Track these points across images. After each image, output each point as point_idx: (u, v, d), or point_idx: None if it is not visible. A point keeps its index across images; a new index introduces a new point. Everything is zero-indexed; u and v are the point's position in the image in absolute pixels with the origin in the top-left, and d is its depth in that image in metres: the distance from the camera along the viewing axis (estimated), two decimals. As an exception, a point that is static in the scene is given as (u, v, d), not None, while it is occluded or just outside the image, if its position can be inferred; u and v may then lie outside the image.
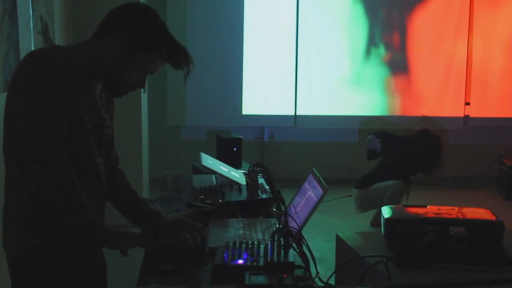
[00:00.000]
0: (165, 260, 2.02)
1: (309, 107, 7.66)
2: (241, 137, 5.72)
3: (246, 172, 3.16)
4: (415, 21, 7.72)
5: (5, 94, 1.88)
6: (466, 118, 7.96)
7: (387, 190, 5.63)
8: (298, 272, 1.93)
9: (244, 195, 2.87)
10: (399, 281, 1.93)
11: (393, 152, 5.84)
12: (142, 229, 2.16)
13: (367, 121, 7.68)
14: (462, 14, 7.72)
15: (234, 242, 2.11)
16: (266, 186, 3.02)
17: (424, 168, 5.85)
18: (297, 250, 2.02)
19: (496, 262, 2.07)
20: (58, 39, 4.75)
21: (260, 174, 3.14)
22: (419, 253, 2.07)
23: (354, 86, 7.72)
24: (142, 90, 5.42)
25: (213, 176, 3.28)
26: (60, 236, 1.89)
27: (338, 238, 2.47)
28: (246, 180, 3.03)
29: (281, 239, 2.03)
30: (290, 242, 2.04)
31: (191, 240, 2.07)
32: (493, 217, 2.26)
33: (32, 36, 4.03)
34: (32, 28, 4.03)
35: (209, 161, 3.33)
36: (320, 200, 2.39)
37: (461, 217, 2.29)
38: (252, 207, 2.76)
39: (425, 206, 2.40)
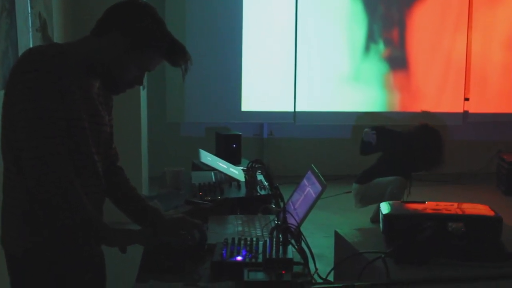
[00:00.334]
0: (164, 257, 2.03)
1: (308, 104, 7.65)
2: (240, 133, 5.72)
3: (245, 168, 3.16)
4: (414, 17, 7.71)
5: (2, 92, 1.88)
6: (466, 113, 7.97)
7: (387, 186, 5.62)
8: (297, 269, 1.93)
9: (243, 192, 2.87)
10: (398, 277, 1.93)
11: (393, 147, 5.83)
12: (142, 226, 2.16)
13: (366, 117, 7.67)
14: (461, 10, 7.72)
15: (233, 239, 2.11)
16: (265, 182, 3.02)
17: (424, 164, 5.84)
18: (296, 247, 2.03)
19: (494, 257, 2.07)
20: (57, 36, 4.75)
21: (259, 171, 3.14)
22: (418, 249, 2.07)
23: (353, 83, 7.71)
24: (141, 87, 5.42)
25: (212, 173, 3.29)
26: (58, 234, 1.89)
27: (336, 235, 2.47)
28: (245, 177, 3.03)
29: (280, 236, 2.03)
30: (289, 239, 2.04)
31: (189, 238, 2.07)
32: (491, 213, 2.27)
33: (30, 33, 4.03)
34: (30, 25, 4.03)
35: (208, 158, 3.33)
36: (318, 197, 2.39)
37: (459, 213, 2.29)
38: (251, 203, 2.76)
39: (424, 202, 2.40)
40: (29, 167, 1.78)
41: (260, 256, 1.97)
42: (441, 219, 2.18)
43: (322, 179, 2.46)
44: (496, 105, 8.00)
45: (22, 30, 3.84)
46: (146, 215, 2.16)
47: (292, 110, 7.64)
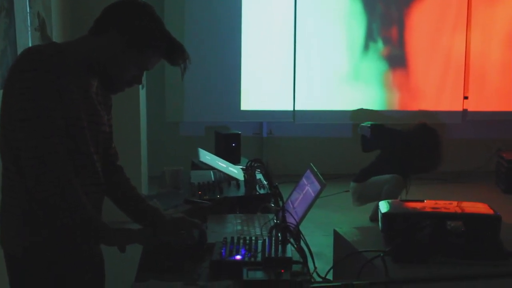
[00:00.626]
0: (163, 256, 2.03)
1: (307, 102, 7.65)
2: (240, 132, 5.73)
3: (244, 167, 3.16)
4: (413, 15, 7.72)
5: (1, 91, 1.88)
6: (465, 112, 7.97)
7: (384, 184, 5.63)
8: (296, 268, 1.93)
9: (242, 191, 2.87)
10: (397, 276, 1.93)
11: (391, 145, 5.84)
12: (141, 225, 2.16)
13: (365, 115, 7.66)
14: (460, 8, 7.72)
15: (232, 238, 2.11)
16: (264, 181, 3.02)
17: (422, 164, 5.82)
18: (295, 246, 2.03)
19: (493, 256, 2.07)
20: (56, 35, 4.75)
21: (258, 170, 3.14)
22: (417, 248, 2.07)
23: (352, 81, 7.71)
24: (140, 86, 5.43)
25: (211, 172, 3.29)
26: (58, 234, 1.89)
27: (335, 233, 2.47)
28: (244, 176, 3.03)
29: (279, 235, 2.03)
30: (288, 238, 2.04)
31: (188, 237, 2.08)
32: (490, 211, 2.26)
33: (29, 33, 4.03)
34: (29, 25, 4.03)
35: (207, 157, 3.33)
36: (317, 195, 2.39)
37: (458, 211, 2.29)
38: (250, 202, 2.76)
39: (423, 201, 2.40)
40: (28, 166, 1.78)
41: (259, 255, 1.98)
42: (440, 217, 2.18)
43: (321, 178, 2.47)
44: (495, 103, 8.00)
45: (21, 30, 3.84)
46: (146, 214, 2.16)
47: (292, 109, 7.64)
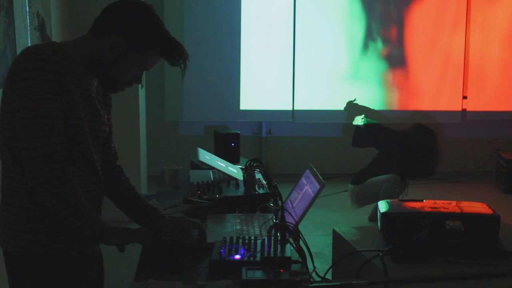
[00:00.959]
0: (162, 256, 2.03)
1: (306, 102, 7.65)
2: (239, 132, 5.73)
3: (244, 167, 3.17)
4: (412, 15, 7.72)
5: (1, 90, 1.88)
6: (464, 112, 7.97)
7: (382, 184, 5.60)
8: (295, 267, 1.93)
9: (241, 190, 2.87)
10: (396, 275, 1.93)
11: (388, 146, 5.82)
12: (141, 225, 2.16)
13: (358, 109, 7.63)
14: (459, 8, 7.72)
15: (231, 237, 2.12)
16: (263, 181, 3.03)
17: (420, 166, 5.79)
18: (294, 245, 2.03)
19: (492, 255, 2.07)
20: (55, 35, 4.75)
21: (258, 169, 3.14)
22: (416, 247, 2.07)
23: (352, 81, 7.71)
24: (140, 85, 5.43)
25: (211, 172, 3.29)
26: (57, 233, 1.90)
27: (335, 233, 2.47)
28: (244, 176, 3.03)
29: (278, 234, 2.04)
30: (287, 237, 2.04)
31: (185, 239, 2.08)
32: (489, 211, 2.27)
33: (28, 32, 4.03)
34: (28, 24, 4.03)
35: (206, 157, 3.33)
36: (317, 195, 2.39)
37: (457, 211, 2.29)
38: (249, 202, 2.76)
39: (422, 200, 2.40)
40: (27, 166, 1.78)
41: (259, 254, 1.98)
42: (439, 217, 2.19)
43: (321, 177, 2.47)
44: (494, 103, 8.00)
45: (20, 29, 3.84)
46: (145, 214, 2.16)
47: (291, 108, 7.64)
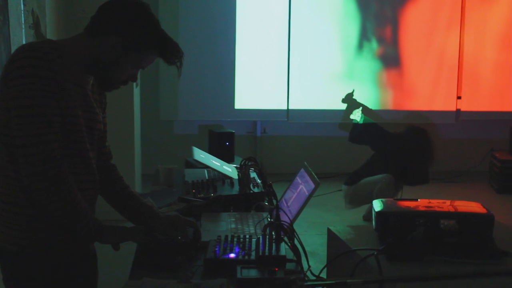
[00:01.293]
0: (157, 254, 2.03)
1: (301, 102, 7.66)
2: (234, 131, 5.72)
3: (238, 166, 3.17)
4: (407, 15, 7.73)
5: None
6: (458, 112, 7.99)
7: (376, 184, 5.60)
8: (289, 266, 1.94)
9: (236, 189, 2.87)
10: (390, 274, 1.94)
11: (383, 147, 5.81)
12: (135, 223, 2.16)
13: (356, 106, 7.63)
14: (454, 8, 7.74)
15: (226, 236, 2.12)
16: (258, 180, 3.03)
17: (415, 169, 5.77)
18: (289, 244, 2.03)
19: (486, 255, 2.08)
20: (50, 33, 4.74)
21: (252, 168, 3.14)
22: (410, 246, 2.08)
23: (346, 80, 7.72)
24: (134, 84, 5.42)
25: (205, 171, 3.29)
26: (52, 231, 1.89)
27: (329, 232, 2.48)
28: (238, 174, 3.03)
29: (273, 233, 2.04)
30: (282, 236, 2.04)
31: (180, 238, 2.08)
32: (484, 210, 2.27)
33: (23, 30, 4.02)
34: (23, 22, 4.02)
35: (201, 156, 3.33)
36: (311, 194, 2.39)
37: (452, 210, 2.30)
38: (244, 201, 2.76)
39: (416, 200, 2.41)
40: (24, 164, 1.78)
41: (253, 253, 1.98)
42: (433, 216, 2.19)
43: (315, 177, 2.47)
44: (488, 103, 8.03)
45: (15, 27, 3.83)
46: (139, 212, 2.16)
47: (285, 108, 7.65)
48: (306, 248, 2.06)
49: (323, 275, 2.06)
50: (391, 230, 2.19)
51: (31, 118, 1.76)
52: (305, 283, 1.75)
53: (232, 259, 1.96)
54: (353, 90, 6.74)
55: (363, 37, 7.71)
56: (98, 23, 1.91)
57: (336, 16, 7.62)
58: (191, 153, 3.36)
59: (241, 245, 2.04)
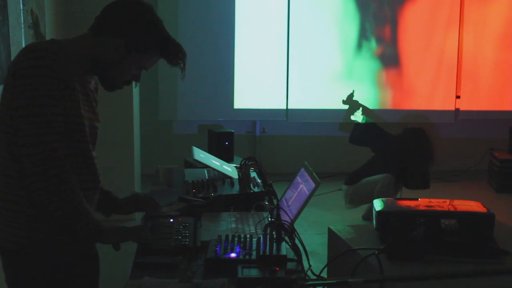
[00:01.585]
0: (158, 254, 2.03)
1: (300, 101, 7.66)
2: (233, 131, 5.73)
3: (238, 166, 3.16)
4: (406, 14, 7.73)
5: (1, 87, 1.88)
6: (457, 111, 7.99)
7: (376, 183, 5.59)
8: (290, 265, 1.94)
9: (236, 189, 2.87)
10: (391, 273, 1.94)
11: (384, 148, 5.81)
12: (121, 214, 2.24)
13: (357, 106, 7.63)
14: (453, 8, 7.74)
15: (227, 236, 2.12)
16: (258, 179, 3.03)
17: (415, 171, 5.76)
18: (290, 243, 2.03)
19: (487, 254, 2.08)
20: (49, 33, 4.73)
21: (252, 168, 3.14)
22: (411, 246, 2.08)
23: (345, 80, 7.72)
24: (133, 84, 5.42)
25: (205, 170, 3.29)
26: (54, 231, 1.89)
27: (330, 231, 2.47)
28: (238, 174, 3.03)
29: (274, 233, 2.03)
30: (283, 236, 2.05)
31: (182, 236, 2.09)
32: (484, 210, 2.27)
33: (22, 30, 4.01)
34: (22, 22, 4.02)
35: (201, 155, 3.33)
36: (312, 194, 2.39)
37: (452, 209, 2.30)
38: (244, 200, 2.76)
39: (417, 199, 2.41)
40: (26, 163, 1.79)
41: (254, 253, 1.98)
42: (434, 215, 2.19)
43: (316, 176, 2.47)
44: (487, 102, 8.03)
45: (14, 27, 3.83)
46: (118, 203, 2.26)
47: (285, 107, 7.65)
48: (307, 248, 2.06)
49: (324, 274, 2.06)
50: (392, 230, 2.19)
51: (31, 118, 1.77)
52: (306, 283, 1.75)
53: (233, 258, 1.96)
54: (353, 91, 6.74)
55: (362, 37, 7.71)
56: (102, 23, 1.92)
57: (335, 16, 7.62)
58: (190, 153, 3.36)
59: (241, 245, 2.04)
